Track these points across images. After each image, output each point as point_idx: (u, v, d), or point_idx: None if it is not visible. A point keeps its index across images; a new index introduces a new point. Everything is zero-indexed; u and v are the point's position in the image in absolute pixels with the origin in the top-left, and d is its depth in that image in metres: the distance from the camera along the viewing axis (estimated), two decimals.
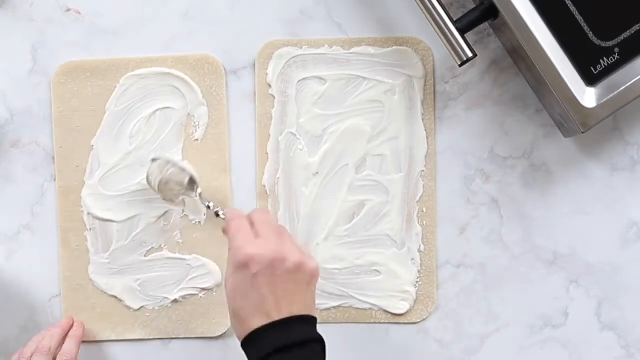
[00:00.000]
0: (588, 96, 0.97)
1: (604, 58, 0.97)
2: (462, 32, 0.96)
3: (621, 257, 1.06)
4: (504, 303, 1.07)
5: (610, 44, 0.97)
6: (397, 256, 1.06)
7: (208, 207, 1.02)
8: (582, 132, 0.97)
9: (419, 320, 1.07)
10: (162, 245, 1.06)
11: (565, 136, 1.05)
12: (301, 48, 1.06)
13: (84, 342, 1.06)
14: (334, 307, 1.07)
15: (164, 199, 1.03)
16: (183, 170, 1.02)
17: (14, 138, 1.07)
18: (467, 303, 1.07)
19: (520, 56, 1.01)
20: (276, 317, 0.86)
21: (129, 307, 1.07)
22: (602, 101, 0.96)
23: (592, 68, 0.97)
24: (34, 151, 1.07)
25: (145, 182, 1.03)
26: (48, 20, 1.06)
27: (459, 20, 0.97)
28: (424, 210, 1.06)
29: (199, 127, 1.06)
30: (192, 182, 1.03)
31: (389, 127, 1.06)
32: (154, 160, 1.03)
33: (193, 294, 1.07)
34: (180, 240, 1.06)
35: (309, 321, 0.88)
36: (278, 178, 1.06)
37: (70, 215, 1.06)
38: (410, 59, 1.05)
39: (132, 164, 1.06)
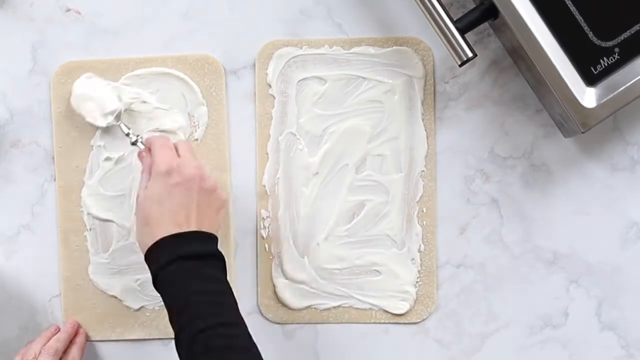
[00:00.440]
0: (588, 96, 0.97)
1: (604, 58, 0.97)
2: (462, 32, 0.96)
3: (621, 257, 1.06)
4: (504, 303, 1.07)
5: (610, 44, 0.97)
6: (397, 256, 1.06)
7: (127, 135, 1.02)
8: (582, 132, 0.97)
9: (419, 320, 1.07)
10: None
11: (565, 136, 1.05)
12: (301, 48, 1.06)
13: None
14: (334, 307, 1.07)
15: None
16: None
17: (14, 138, 1.07)
18: (467, 303, 1.07)
19: (520, 56, 1.01)
20: (186, 228, 0.90)
21: (129, 307, 1.07)
22: (602, 101, 0.96)
23: (592, 68, 0.97)
24: (34, 151, 1.07)
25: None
26: (48, 20, 1.06)
27: (459, 20, 0.97)
28: (424, 210, 1.06)
29: (198, 127, 1.06)
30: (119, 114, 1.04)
31: (389, 127, 1.06)
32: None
33: None
34: None
35: (214, 239, 0.93)
36: (278, 178, 1.06)
37: (70, 215, 1.06)
38: (410, 59, 1.05)
39: (131, 164, 1.06)
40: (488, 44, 1.06)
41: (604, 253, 1.06)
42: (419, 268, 1.06)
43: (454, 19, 0.97)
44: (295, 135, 1.06)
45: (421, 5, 0.97)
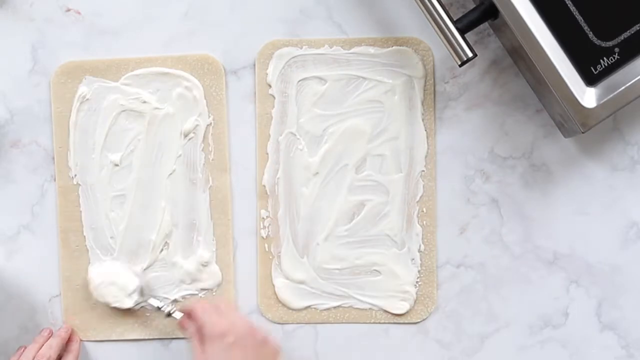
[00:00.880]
0: (588, 96, 0.97)
1: (604, 58, 0.97)
2: (462, 32, 0.96)
3: (621, 257, 1.06)
4: (504, 303, 1.07)
5: (610, 44, 0.97)
6: (397, 256, 1.06)
7: (158, 308, 1.04)
8: (582, 132, 0.97)
9: (419, 320, 1.07)
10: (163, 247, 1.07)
11: (565, 136, 1.05)
12: (301, 48, 1.06)
13: (83, 341, 1.07)
14: (334, 307, 1.07)
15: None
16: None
17: (14, 138, 1.07)
18: (467, 303, 1.07)
19: (520, 56, 1.01)
20: None
21: (129, 307, 1.07)
22: (602, 101, 0.96)
23: (592, 68, 0.97)
24: (34, 151, 1.07)
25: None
26: (48, 20, 1.06)
27: (459, 20, 0.97)
28: (424, 210, 1.06)
29: (199, 127, 1.06)
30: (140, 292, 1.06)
31: (389, 127, 1.06)
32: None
33: (193, 293, 1.07)
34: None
35: None
36: (278, 178, 1.06)
37: (70, 215, 1.06)
38: (410, 59, 1.05)
39: (131, 164, 1.06)
40: (488, 44, 1.06)
41: (604, 253, 1.06)
42: (419, 268, 1.06)
43: (454, 19, 0.97)
44: (295, 135, 1.06)
45: (421, 5, 0.97)
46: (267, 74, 1.06)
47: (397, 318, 1.06)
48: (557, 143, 1.06)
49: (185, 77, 1.06)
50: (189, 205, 1.06)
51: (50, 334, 1.05)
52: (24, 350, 1.02)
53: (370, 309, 1.06)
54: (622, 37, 0.97)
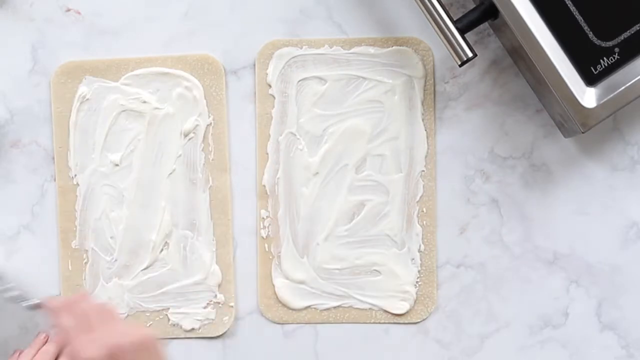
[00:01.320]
0: (588, 96, 0.97)
1: (604, 58, 0.97)
2: (462, 32, 0.96)
3: (621, 257, 1.06)
4: (504, 303, 1.07)
5: (610, 44, 0.97)
6: (397, 256, 1.06)
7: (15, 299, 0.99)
8: (582, 132, 0.97)
9: (419, 320, 1.07)
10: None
11: (565, 136, 1.05)
12: (301, 48, 1.06)
13: None
14: (334, 307, 1.07)
15: None
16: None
17: (14, 138, 1.07)
18: (467, 303, 1.07)
19: (520, 56, 1.01)
20: None
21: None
22: (602, 101, 0.96)
23: (592, 68, 0.97)
24: (34, 151, 1.07)
25: None
26: (48, 20, 1.06)
27: (459, 20, 0.97)
28: (424, 210, 1.06)
29: (199, 127, 1.06)
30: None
31: (389, 127, 1.06)
32: None
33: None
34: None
35: None
36: (278, 178, 1.06)
37: (70, 215, 1.06)
38: (410, 59, 1.05)
39: (131, 164, 1.06)
40: (488, 44, 1.06)
41: (604, 253, 1.06)
42: (419, 268, 1.06)
43: (454, 19, 0.97)
44: (295, 135, 1.06)
45: (421, 5, 0.97)
46: (267, 74, 1.06)
47: (397, 318, 1.06)
48: (557, 143, 1.06)
49: (185, 77, 1.06)
50: (189, 205, 1.06)
51: (47, 339, 1.04)
52: (19, 355, 1.01)
53: (370, 309, 1.06)
54: (622, 37, 0.97)
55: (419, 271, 1.06)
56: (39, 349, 1.01)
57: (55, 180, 1.07)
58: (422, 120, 1.06)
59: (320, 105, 1.06)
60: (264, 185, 1.06)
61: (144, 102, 1.06)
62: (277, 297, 1.07)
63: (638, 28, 0.97)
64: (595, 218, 1.06)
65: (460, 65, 0.97)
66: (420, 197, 1.06)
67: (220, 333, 1.07)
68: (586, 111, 0.96)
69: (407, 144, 1.06)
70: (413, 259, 1.06)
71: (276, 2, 1.06)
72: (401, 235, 1.06)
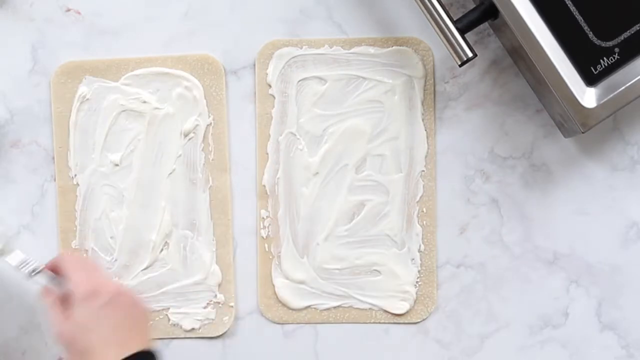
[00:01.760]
0: (588, 96, 0.97)
1: (604, 58, 0.97)
2: (462, 32, 0.96)
3: (621, 257, 1.06)
4: (504, 303, 1.07)
5: (610, 44, 0.97)
6: (397, 256, 1.06)
7: (18, 267, 0.97)
8: (582, 132, 0.97)
9: (419, 320, 1.07)
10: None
11: (565, 136, 1.05)
12: (301, 48, 1.06)
13: None
14: (334, 307, 1.07)
15: None
16: None
17: (14, 138, 1.07)
18: (467, 303, 1.07)
19: (520, 56, 1.01)
20: (127, 350, 0.86)
21: None
22: (602, 101, 0.96)
23: (592, 68, 0.97)
24: (34, 151, 1.07)
25: None
26: (48, 20, 1.06)
27: (459, 20, 0.97)
28: (424, 210, 1.06)
29: (199, 127, 1.06)
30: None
31: (389, 127, 1.06)
32: None
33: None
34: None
35: (157, 356, 0.89)
36: (278, 178, 1.06)
37: (70, 215, 1.06)
38: (410, 59, 1.05)
39: (131, 164, 1.06)
40: (488, 44, 1.06)
41: (604, 253, 1.06)
42: (419, 268, 1.06)
43: (454, 19, 0.97)
44: (295, 135, 1.06)
45: (421, 5, 0.97)
46: (267, 74, 1.06)
47: (397, 318, 1.06)
48: (557, 143, 1.06)
49: (185, 77, 1.06)
50: (189, 205, 1.06)
51: None
52: None
53: (370, 309, 1.06)
54: (622, 37, 0.97)
55: (419, 271, 1.06)
56: None
57: (55, 180, 1.07)
58: (422, 120, 1.06)
59: (320, 105, 1.06)
60: (264, 185, 1.06)
61: (144, 102, 1.06)
62: (277, 297, 1.07)
63: (638, 28, 0.97)
64: (595, 218, 1.06)
65: (460, 65, 0.97)
66: (420, 197, 1.06)
67: (220, 333, 1.07)
68: (586, 111, 0.96)
69: (407, 144, 1.06)
70: (413, 259, 1.06)
71: (276, 2, 1.06)
72: (401, 235, 1.06)
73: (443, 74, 1.06)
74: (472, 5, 1.01)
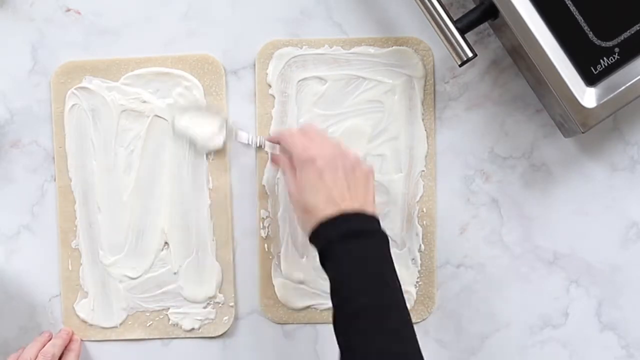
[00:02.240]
0: (588, 96, 0.97)
1: (604, 58, 0.97)
2: (462, 32, 0.96)
3: (621, 257, 1.06)
4: (504, 303, 1.07)
5: (610, 44, 0.97)
6: (397, 256, 1.06)
7: (247, 143, 1.04)
8: (582, 132, 0.97)
9: (419, 321, 1.07)
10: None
11: (565, 136, 1.05)
12: (301, 48, 1.06)
13: (84, 341, 1.07)
14: None
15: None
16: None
17: (14, 138, 1.07)
18: (467, 303, 1.07)
19: (520, 56, 1.01)
20: (344, 207, 0.91)
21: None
22: (602, 101, 0.96)
23: (592, 68, 0.97)
24: (34, 151, 1.07)
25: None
26: (48, 20, 1.06)
27: (459, 20, 0.97)
28: (424, 210, 1.06)
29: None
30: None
31: (389, 127, 1.06)
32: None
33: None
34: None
35: (375, 219, 0.92)
36: (278, 178, 1.06)
37: (70, 215, 1.06)
38: (410, 59, 1.05)
39: (131, 164, 1.06)
40: (488, 44, 1.06)
41: (604, 253, 1.06)
42: (419, 268, 1.06)
43: (454, 19, 0.97)
44: None
45: (421, 5, 0.97)
46: (267, 74, 1.06)
47: None
48: (557, 143, 1.06)
49: (185, 77, 1.06)
50: (189, 205, 1.06)
51: (51, 337, 1.05)
52: (23, 350, 1.02)
53: None
54: (622, 37, 0.97)
55: (419, 271, 1.06)
56: (44, 344, 1.02)
57: (55, 180, 1.07)
58: (422, 120, 1.06)
59: (320, 105, 1.06)
60: (264, 185, 1.06)
61: (144, 102, 1.06)
62: (277, 297, 1.07)
63: (638, 28, 0.97)
64: (595, 218, 1.06)
65: (460, 65, 0.97)
66: (420, 197, 1.06)
67: (220, 333, 1.07)
68: (586, 111, 0.96)
69: (407, 144, 1.06)
70: (413, 259, 1.06)
71: (276, 2, 1.06)
72: (401, 235, 1.06)
73: (443, 74, 1.06)
74: (472, 5, 1.01)
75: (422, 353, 0.87)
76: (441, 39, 0.97)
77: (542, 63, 0.96)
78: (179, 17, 1.06)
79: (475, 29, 0.99)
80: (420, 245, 1.06)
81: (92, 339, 1.07)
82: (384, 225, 1.05)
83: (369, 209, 0.92)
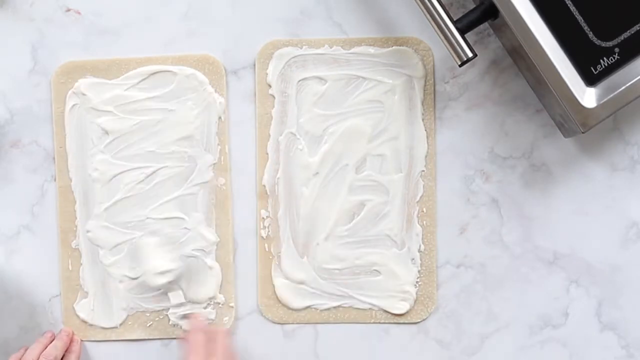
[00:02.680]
0: (588, 96, 0.97)
1: (604, 58, 0.97)
2: (462, 32, 0.96)
3: (621, 257, 1.06)
4: (504, 303, 1.07)
5: (610, 44, 0.97)
6: (397, 256, 1.06)
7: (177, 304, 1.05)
8: (582, 132, 0.97)
9: (419, 320, 1.07)
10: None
11: (565, 136, 1.05)
12: (301, 48, 1.06)
13: (84, 341, 1.07)
14: (334, 307, 1.07)
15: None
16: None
17: (14, 138, 1.07)
18: (467, 303, 1.07)
19: (520, 56, 1.01)
20: None
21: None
22: (602, 101, 0.96)
23: (592, 68, 0.97)
24: (34, 151, 1.07)
25: None
26: (48, 20, 1.06)
27: (459, 20, 0.97)
28: (424, 210, 1.06)
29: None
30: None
31: (389, 127, 1.06)
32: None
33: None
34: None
35: None
36: (278, 178, 1.06)
37: (70, 215, 1.06)
38: (410, 59, 1.05)
39: (131, 165, 1.06)
40: (488, 44, 1.06)
41: (604, 253, 1.06)
42: (419, 268, 1.06)
43: (454, 19, 0.97)
44: (295, 135, 1.06)
45: (421, 5, 0.97)
46: (267, 74, 1.06)
47: (397, 318, 1.06)
48: (557, 143, 1.06)
49: (189, 72, 1.06)
50: (189, 206, 1.06)
51: (53, 337, 1.05)
52: (26, 350, 1.02)
53: (370, 309, 1.06)
54: (622, 37, 0.97)
55: (419, 271, 1.06)
56: (46, 345, 1.02)
57: (55, 180, 1.07)
58: (422, 120, 1.06)
59: (320, 105, 1.06)
60: (264, 185, 1.06)
61: (142, 101, 1.06)
62: (277, 297, 1.07)
63: (638, 28, 0.97)
64: (595, 218, 1.06)
65: (460, 65, 0.97)
66: (420, 197, 1.06)
67: None
68: (586, 111, 0.96)
69: (407, 144, 1.06)
70: (413, 259, 1.06)
71: (276, 2, 1.06)
72: (401, 235, 1.06)
73: (443, 74, 1.06)
74: (472, 5, 1.01)
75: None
76: (441, 39, 0.97)
77: (542, 63, 0.96)
78: (179, 17, 1.06)
79: (475, 29, 0.99)
80: (420, 245, 1.06)
81: (92, 339, 1.07)
82: (384, 225, 1.06)
83: None
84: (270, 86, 1.06)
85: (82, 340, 1.07)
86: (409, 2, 1.03)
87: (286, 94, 1.06)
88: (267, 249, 1.07)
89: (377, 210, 1.06)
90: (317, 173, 1.06)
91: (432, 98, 1.06)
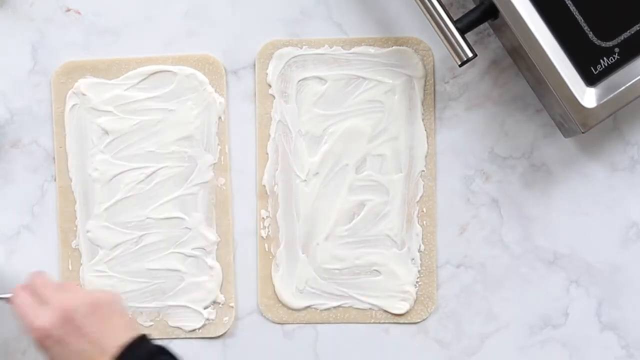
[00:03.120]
0: (588, 96, 0.97)
1: (604, 58, 0.97)
2: (462, 32, 0.96)
3: (621, 257, 1.06)
4: (504, 303, 1.07)
5: (610, 44, 0.97)
6: (397, 256, 1.06)
7: None
8: (582, 132, 0.97)
9: (419, 320, 1.07)
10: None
11: (565, 136, 1.05)
12: (301, 48, 1.06)
13: None
14: (334, 307, 1.06)
15: None
16: None
17: (14, 138, 1.07)
18: (467, 303, 1.07)
19: (520, 56, 1.01)
20: (109, 355, 0.85)
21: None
22: (602, 101, 0.96)
23: (592, 68, 0.97)
24: (34, 151, 1.07)
25: None
26: (48, 20, 1.06)
27: (459, 20, 0.97)
28: (424, 210, 1.06)
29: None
30: None
31: (389, 127, 1.06)
32: None
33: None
34: None
35: (142, 340, 0.88)
36: (278, 178, 1.06)
37: (70, 215, 1.06)
38: (410, 59, 1.05)
39: (131, 165, 1.06)
40: (488, 44, 1.06)
41: (604, 253, 1.06)
42: (419, 268, 1.06)
43: (454, 19, 0.97)
44: (295, 135, 1.06)
45: (421, 5, 0.97)
46: (267, 74, 1.06)
47: (397, 318, 1.06)
48: (557, 143, 1.06)
49: (187, 73, 1.06)
50: (189, 205, 1.06)
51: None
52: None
53: (370, 309, 1.06)
54: (622, 37, 0.97)
55: (419, 271, 1.06)
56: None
57: (55, 180, 1.07)
58: (422, 120, 1.06)
59: (320, 105, 1.06)
60: (264, 185, 1.06)
61: (142, 101, 1.06)
62: (277, 297, 1.07)
63: (638, 28, 0.97)
64: (595, 218, 1.06)
65: (460, 65, 0.97)
66: (420, 197, 1.06)
67: (221, 333, 1.07)
68: (586, 111, 0.96)
69: (407, 144, 1.06)
70: (413, 259, 1.06)
71: (276, 2, 1.06)
72: (401, 235, 1.06)
73: (443, 74, 1.06)
74: (472, 5, 1.01)
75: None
76: (441, 39, 0.97)
77: (542, 63, 0.96)
78: (179, 17, 1.06)
79: (475, 29, 0.99)
80: (420, 245, 1.06)
81: None
82: (384, 225, 1.06)
83: (133, 335, 0.87)
84: (270, 86, 1.06)
85: None
86: (409, 2, 1.03)
87: (286, 94, 1.06)
88: (267, 249, 1.07)
89: (377, 210, 1.06)
90: (317, 173, 1.06)
91: (432, 98, 1.06)
